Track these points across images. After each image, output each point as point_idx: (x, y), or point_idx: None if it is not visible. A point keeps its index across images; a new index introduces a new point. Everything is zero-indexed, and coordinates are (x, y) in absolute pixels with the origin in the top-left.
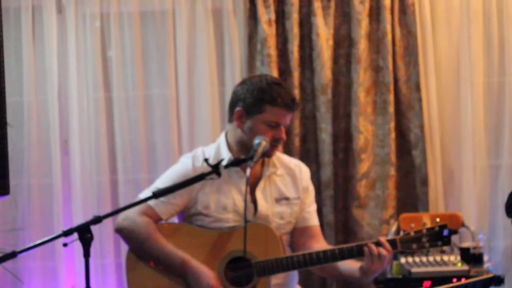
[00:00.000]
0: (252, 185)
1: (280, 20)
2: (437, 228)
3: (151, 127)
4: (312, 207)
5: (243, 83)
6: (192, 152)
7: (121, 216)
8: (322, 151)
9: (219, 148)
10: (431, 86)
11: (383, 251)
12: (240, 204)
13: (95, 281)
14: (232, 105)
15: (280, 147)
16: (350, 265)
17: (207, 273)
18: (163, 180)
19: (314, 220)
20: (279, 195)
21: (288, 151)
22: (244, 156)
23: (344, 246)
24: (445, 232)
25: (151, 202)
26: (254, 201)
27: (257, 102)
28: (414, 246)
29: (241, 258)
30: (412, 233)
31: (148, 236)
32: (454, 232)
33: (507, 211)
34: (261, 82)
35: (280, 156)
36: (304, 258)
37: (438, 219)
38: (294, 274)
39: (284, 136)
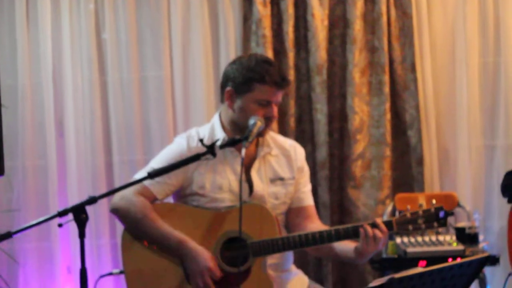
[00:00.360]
0: (247, 165)
1: (275, 0)
2: (433, 210)
3: (146, 109)
4: (307, 187)
5: (233, 63)
6: (187, 133)
7: (117, 196)
8: (317, 131)
9: (213, 129)
10: (426, 67)
11: (378, 233)
12: (235, 184)
13: (90, 262)
14: (223, 85)
15: (275, 127)
16: (345, 246)
17: (204, 254)
18: (158, 161)
19: (309, 200)
20: (274, 175)
21: (283, 132)
22: (239, 136)
23: (340, 227)
24: (441, 214)
25: (147, 182)
26: (249, 181)
27: (246, 81)
28: (410, 227)
29: (237, 238)
30: (408, 215)
31: (144, 216)
32: (450, 213)
33: (502, 191)
34: (250, 61)
35: (274, 136)
36: (299, 238)
37: (434, 201)
38: (290, 255)
39: (275, 114)
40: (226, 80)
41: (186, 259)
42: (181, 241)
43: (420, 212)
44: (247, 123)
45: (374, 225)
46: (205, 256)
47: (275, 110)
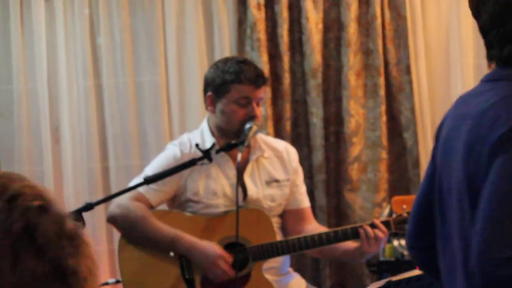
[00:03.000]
0: (240, 170)
1: (269, 4)
2: None
3: (142, 114)
4: (303, 189)
5: (211, 67)
6: (179, 139)
7: (113, 205)
8: (313, 135)
9: (202, 134)
10: (421, 68)
11: (379, 233)
12: (229, 189)
13: None
14: (204, 92)
15: (271, 131)
16: (346, 246)
17: (208, 245)
18: (152, 168)
19: (306, 202)
20: (269, 177)
21: (279, 136)
22: (235, 141)
23: (339, 229)
24: None
25: (142, 189)
26: (243, 186)
27: (223, 83)
28: (407, 227)
29: (235, 243)
30: (404, 214)
31: (142, 219)
32: None
33: None
34: (225, 63)
35: (265, 138)
36: (299, 242)
37: None
38: (287, 258)
39: (257, 113)
40: (206, 86)
41: (190, 253)
42: (175, 236)
43: None
44: (231, 127)
45: (373, 226)
46: (210, 245)
47: (256, 109)
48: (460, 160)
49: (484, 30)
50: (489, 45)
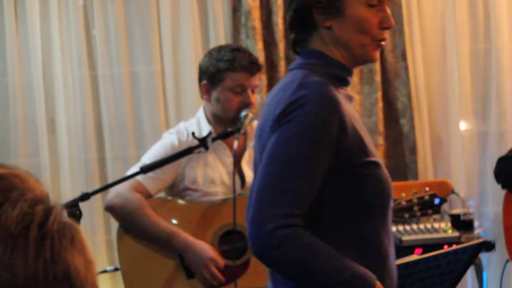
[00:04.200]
0: (237, 157)
1: None
2: (427, 197)
3: (138, 104)
4: None
5: (205, 56)
6: (175, 128)
7: (111, 193)
8: None
9: (199, 123)
10: (417, 54)
11: None
12: (226, 177)
13: None
14: (199, 80)
15: None
16: None
17: (202, 245)
18: (150, 156)
19: None
20: None
21: None
22: (231, 129)
23: None
24: (436, 201)
25: (140, 178)
26: (241, 173)
27: (217, 72)
28: (406, 215)
29: (233, 231)
30: (403, 202)
31: (140, 212)
32: (444, 200)
33: (496, 177)
34: (220, 51)
35: None
36: None
37: (427, 188)
38: None
39: (253, 100)
40: (200, 75)
41: (184, 252)
42: (171, 233)
43: (415, 200)
44: (227, 114)
45: None
46: (204, 247)
47: (251, 96)
48: (257, 143)
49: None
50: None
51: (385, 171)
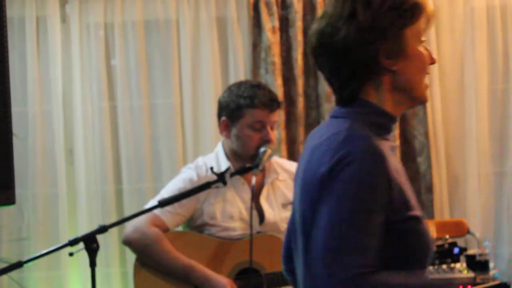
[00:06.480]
0: (256, 193)
1: (284, 27)
2: (446, 246)
3: (156, 136)
4: None
5: (224, 92)
6: (194, 163)
7: (129, 228)
8: None
9: (217, 158)
10: (435, 93)
11: None
12: (245, 212)
13: None
14: (218, 116)
15: (285, 154)
16: None
17: (224, 281)
18: (169, 190)
19: None
20: (285, 200)
21: (293, 159)
22: (249, 165)
23: None
24: (456, 250)
25: (158, 212)
26: (259, 209)
27: (237, 108)
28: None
29: (249, 268)
30: None
31: (158, 247)
32: (464, 250)
33: None
34: (239, 87)
35: (280, 161)
36: None
37: (447, 236)
38: None
39: (271, 137)
40: (220, 110)
41: (203, 285)
42: (190, 266)
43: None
44: (246, 151)
45: None
46: (224, 281)
47: (270, 133)
48: (298, 192)
49: (329, 81)
50: (333, 91)
51: (425, 224)
